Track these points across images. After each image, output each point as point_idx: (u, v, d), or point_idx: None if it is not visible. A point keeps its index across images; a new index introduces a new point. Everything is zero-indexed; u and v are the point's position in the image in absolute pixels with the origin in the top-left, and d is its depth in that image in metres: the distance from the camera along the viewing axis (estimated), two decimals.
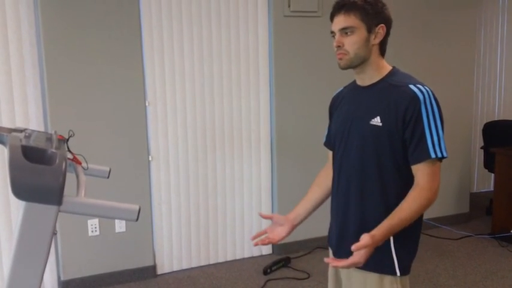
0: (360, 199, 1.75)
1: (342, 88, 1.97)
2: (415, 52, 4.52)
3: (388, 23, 1.73)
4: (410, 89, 1.65)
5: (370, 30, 1.69)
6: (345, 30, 1.69)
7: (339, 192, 1.84)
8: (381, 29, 1.71)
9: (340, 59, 1.72)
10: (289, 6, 4.01)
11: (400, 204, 1.64)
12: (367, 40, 1.70)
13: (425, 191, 1.62)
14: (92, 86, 3.52)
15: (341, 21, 1.69)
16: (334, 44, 1.72)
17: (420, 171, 1.64)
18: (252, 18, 3.96)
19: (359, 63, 1.72)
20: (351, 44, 1.69)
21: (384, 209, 1.67)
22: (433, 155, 1.61)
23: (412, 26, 4.49)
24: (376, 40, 1.71)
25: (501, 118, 5.96)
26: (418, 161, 1.64)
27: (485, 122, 5.49)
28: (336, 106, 1.94)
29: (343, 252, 1.83)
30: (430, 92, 1.66)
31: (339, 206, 1.85)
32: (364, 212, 1.74)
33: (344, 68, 1.74)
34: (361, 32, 1.68)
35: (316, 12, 4.10)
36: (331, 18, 1.74)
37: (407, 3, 4.46)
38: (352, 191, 1.77)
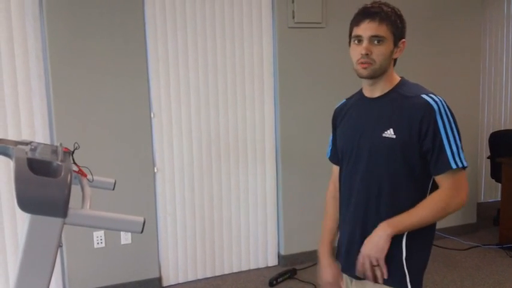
0: (374, 213, 1.70)
1: (344, 100, 1.93)
2: (420, 61, 4.52)
3: (405, 37, 1.73)
4: (424, 99, 1.63)
5: (395, 44, 1.68)
6: (376, 39, 1.63)
7: (350, 207, 1.80)
8: (402, 44, 1.70)
9: (365, 68, 1.66)
10: (293, 17, 4.03)
11: (421, 202, 1.63)
12: (391, 53, 1.68)
13: (450, 192, 1.61)
14: (97, 98, 3.54)
15: (374, 28, 1.63)
16: (362, 50, 1.64)
17: (444, 180, 1.63)
18: (256, 29, 3.98)
19: (380, 74, 1.69)
20: (379, 54, 1.64)
21: None
22: (453, 166, 1.59)
23: (417, 35, 4.49)
24: (397, 54, 1.70)
25: (507, 127, 5.94)
26: (439, 172, 1.62)
27: (491, 131, 5.47)
28: (340, 119, 1.90)
29: (349, 266, 1.81)
30: (443, 102, 1.63)
31: (349, 221, 1.80)
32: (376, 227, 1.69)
33: (366, 77, 1.69)
34: (390, 44, 1.66)
35: (321, 23, 4.12)
36: (359, 22, 1.66)
37: (411, 12, 4.45)
38: (365, 206, 1.73)
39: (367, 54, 1.64)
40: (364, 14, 1.66)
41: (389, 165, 1.67)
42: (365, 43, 1.64)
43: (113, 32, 3.53)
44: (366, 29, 1.64)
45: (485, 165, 5.75)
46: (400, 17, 1.69)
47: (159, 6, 3.66)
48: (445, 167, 1.60)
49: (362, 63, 1.66)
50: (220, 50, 3.88)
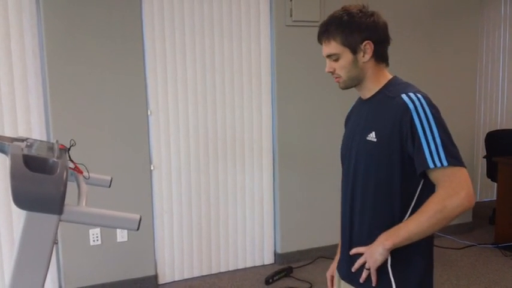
0: (359, 217, 1.69)
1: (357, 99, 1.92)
2: (417, 61, 4.52)
3: (376, 35, 1.63)
4: (402, 99, 1.56)
5: (355, 51, 1.63)
6: (331, 57, 1.67)
7: (345, 210, 1.78)
8: (367, 45, 1.62)
9: (338, 82, 1.71)
10: (291, 15, 4.03)
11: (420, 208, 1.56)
12: (355, 61, 1.63)
13: (445, 193, 1.50)
14: (94, 96, 3.54)
15: (325, 48, 1.68)
16: (325, 69, 1.71)
17: (437, 181, 1.53)
18: (254, 27, 3.98)
19: (356, 83, 1.69)
20: (340, 68, 1.66)
21: (385, 227, 1.60)
22: (431, 165, 1.49)
23: (414, 36, 4.50)
24: (365, 57, 1.63)
25: (504, 127, 5.96)
26: (419, 171, 1.54)
27: (487, 131, 5.48)
28: (347, 120, 1.89)
29: (340, 267, 1.82)
30: (422, 99, 1.55)
31: (343, 224, 1.80)
32: (364, 230, 1.68)
33: (343, 89, 1.73)
34: (346, 56, 1.64)
35: (318, 21, 4.08)
36: (319, 43, 1.72)
37: (409, 12, 4.47)
38: (353, 209, 1.72)
39: (331, 72, 1.70)
40: (317, 37, 1.71)
41: (372, 169, 1.63)
42: (327, 62, 1.70)
43: (110, 30, 3.52)
44: (323, 50, 1.70)
45: (481, 165, 5.77)
46: (349, 22, 1.62)
47: (156, 4, 3.65)
48: (423, 166, 1.51)
49: (335, 78, 1.71)
50: (217, 48, 3.88)
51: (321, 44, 1.70)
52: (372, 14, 1.65)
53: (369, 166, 1.64)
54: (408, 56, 4.44)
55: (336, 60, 1.66)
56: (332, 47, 1.65)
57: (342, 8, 1.67)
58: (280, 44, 4.04)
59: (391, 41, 1.70)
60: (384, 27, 1.67)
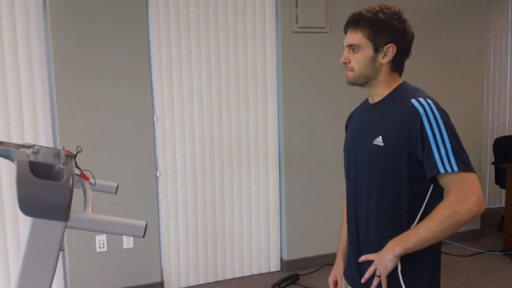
0: (364, 222, 1.68)
1: (358, 105, 1.90)
2: (424, 67, 4.51)
3: (401, 42, 1.64)
4: (411, 103, 1.56)
5: (377, 50, 1.62)
6: (351, 47, 1.65)
7: (350, 216, 1.78)
8: (390, 48, 1.62)
9: (347, 75, 1.69)
10: (297, 22, 4.02)
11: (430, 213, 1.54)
12: (374, 59, 1.63)
13: (455, 198, 1.49)
14: (101, 102, 3.54)
15: (349, 37, 1.66)
16: (341, 59, 1.69)
17: (448, 187, 1.52)
18: (259, 34, 3.98)
19: (365, 81, 1.67)
20: (356, 62, 1.65)
21: (393, 232, 1.59)
22: (441, 170, 1.49)
23: (421, 43, 4.45)
24: (384, 59, 1.64)
25: None
26: (429, 177, 1.54)
27: (495, 137, 5.44)
28: (349, 124, 1.89)
29: (346, 272, 1.82)
30: (431, 104, 1.55)
31: (349, 229, 1.79)
32: (371, 235, 1.67)
33: (349, 84, 1.71)
34: (367, 50, 1.63)
35: (324, 28, 4.11)
36: (345, 32, 1.71)
37: (416, 20, 4.44)
38: (358, 214, 1.71)
39: (345, 63, 1.68)
40: (346, 24, 1.69)
41: (378, 173, 1.62)
42: (345, 52, 1.68)
43: (116, 37, 3.54)
44: (346, 38, 1.68)
45: (490, 171, 5.72)
46: (382, 21, 1.61)
47: (162, 11, 3.66)
48: (433, 171, 1.51)
49: (347, 70, 1.69)
50: (223, 54, 3.88)
51: (346, 32, 1.68)
52: (405, 21, 1.66)
53: (375, 170, 1.63)
54: (415, 62, 4.39)
55: (355, 52, 1.65)
56: (357, 37, 1.63)
57: (379, 5, 1.66)
58: (286, 50, 4.04)
59: (410, 55, 1.70)
60: (411, 38, 1.68)
